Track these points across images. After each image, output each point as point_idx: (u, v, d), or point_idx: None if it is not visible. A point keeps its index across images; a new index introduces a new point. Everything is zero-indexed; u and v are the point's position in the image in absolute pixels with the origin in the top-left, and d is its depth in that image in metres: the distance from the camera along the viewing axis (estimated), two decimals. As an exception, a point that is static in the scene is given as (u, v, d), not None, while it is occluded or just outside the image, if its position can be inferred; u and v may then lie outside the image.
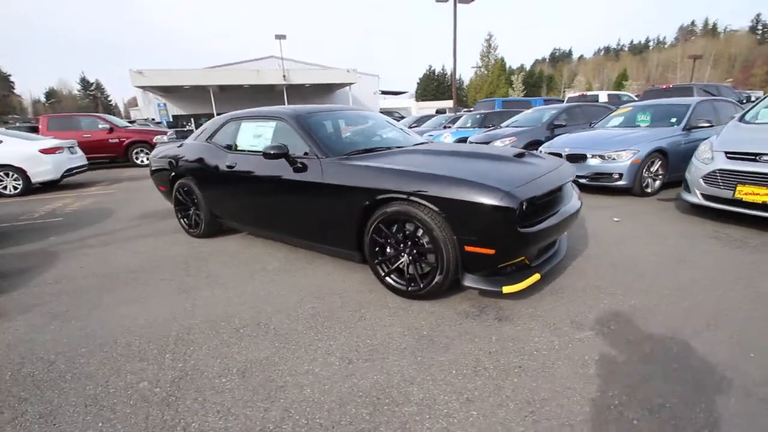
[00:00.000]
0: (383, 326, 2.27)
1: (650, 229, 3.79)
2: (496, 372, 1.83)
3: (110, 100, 75.83)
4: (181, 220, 4.27)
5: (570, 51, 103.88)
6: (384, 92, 41.84)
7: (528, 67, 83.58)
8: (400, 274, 2.62)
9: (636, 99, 12.41)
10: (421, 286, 2.46)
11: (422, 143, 3.50)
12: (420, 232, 2.43)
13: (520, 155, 2.82)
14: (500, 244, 2.17)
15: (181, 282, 3.04)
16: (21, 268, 3.56)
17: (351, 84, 31.96)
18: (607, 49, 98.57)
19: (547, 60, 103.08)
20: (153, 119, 28.31)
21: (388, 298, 2.62)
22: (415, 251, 2.50)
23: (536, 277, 2.38)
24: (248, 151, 3.46)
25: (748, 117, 4.24)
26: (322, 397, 1.71)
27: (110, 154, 11.34)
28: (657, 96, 10.06)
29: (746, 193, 3.48)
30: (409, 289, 2.53)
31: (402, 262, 2.58)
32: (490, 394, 1.69)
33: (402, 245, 2.54)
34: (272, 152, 2.89)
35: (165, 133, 12.28)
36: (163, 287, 2.96)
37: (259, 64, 33.54)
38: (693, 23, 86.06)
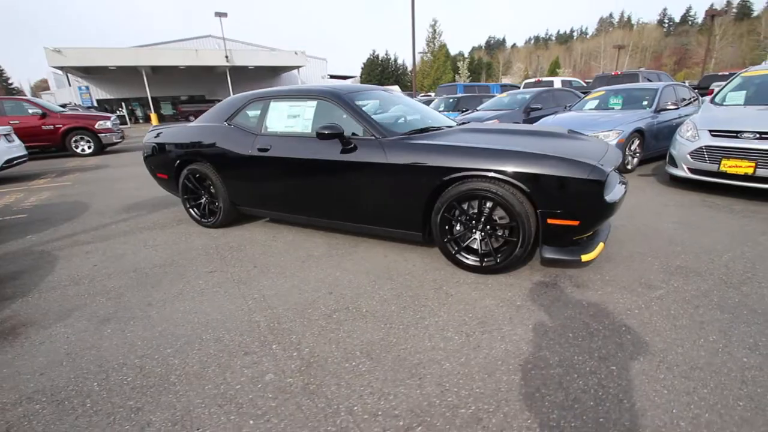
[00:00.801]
0: (474, 300, 2.33)
1: (652, 201, 4.21)
2: (607, 331, 1.98)
3: (11, 83, 65.94)
4: (191, 209, 3.94)
5: (504, 39, 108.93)
6: (332, 76, 40.86)
7: (466, 53, 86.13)
8: (469, 251, 2.69)
9: (585, 85, 13.41)
10: (498, 260, 2.54)
11: (464, 123, 3.56)
12: (495, 208, 2.50)
13: (570, 133, 2.99)
14: (586, 216, 2.31)
15: (230, 273, 2.85)
16: (13, 270, 3.10)
17: (299, 67, 30.85)
18: (537, 39, 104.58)
19: (483, 47, 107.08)
20: (75, 104, 25.23)
21: (459, 274, 2.68)
22: (488, 227, 2.57)
23: (602, 245, 2.57)
24: (284, 133, 3.27)
25: (717, 99, 4.83)
26: (466, 369, 1.75)
27: (44, 142, 9.97)
28: (607, 82, 10.96)
29: (730, 166, 3.99)
30: (483, 264, 2.61)
31: (473, 239, 2.64)
32: (616, 350, 1.83)
33: (474, 221, 2.60)
34: (327, 132, 2.78)
35: (108, 118, 11.04)
36: (214, 279, 2.75)
37: (196, 43, 31.09)
38: (611, 15, 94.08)
